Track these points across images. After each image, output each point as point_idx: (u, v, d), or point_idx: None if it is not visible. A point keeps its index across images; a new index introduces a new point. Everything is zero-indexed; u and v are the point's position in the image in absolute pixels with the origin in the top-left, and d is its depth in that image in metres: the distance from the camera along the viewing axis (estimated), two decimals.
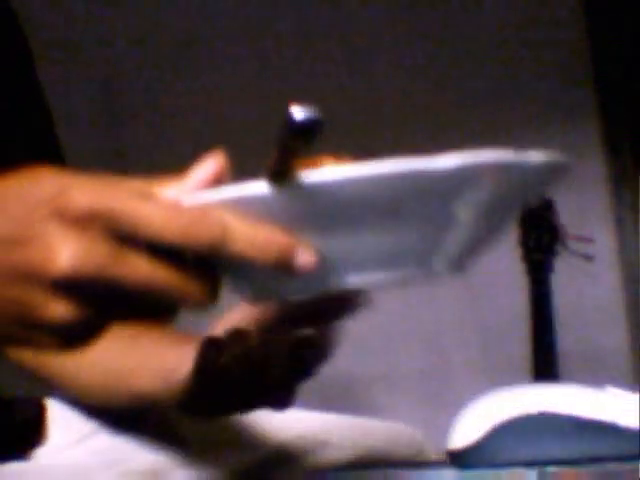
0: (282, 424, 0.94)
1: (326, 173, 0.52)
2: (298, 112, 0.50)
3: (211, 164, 0.58)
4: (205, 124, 2.64)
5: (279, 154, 0.52)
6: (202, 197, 0.53)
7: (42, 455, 0.90)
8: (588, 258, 2.41)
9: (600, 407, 0.70)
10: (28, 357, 0.89)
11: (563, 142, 2.45)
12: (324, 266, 0.53)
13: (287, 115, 0.50)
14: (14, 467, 0.88)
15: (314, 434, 0.96)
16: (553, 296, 2.36)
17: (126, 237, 0.51)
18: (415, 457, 0.97)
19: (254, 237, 0.52)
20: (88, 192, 0.51)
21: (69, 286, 0.50)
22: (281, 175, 0.51)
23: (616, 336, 2.38)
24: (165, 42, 2.69)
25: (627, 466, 0.66)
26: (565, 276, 2.41)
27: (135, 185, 0.56)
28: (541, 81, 2.47)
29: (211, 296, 0.53)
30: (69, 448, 0.90)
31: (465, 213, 0.54)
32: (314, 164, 0.57)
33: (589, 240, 2.38)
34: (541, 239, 2.41)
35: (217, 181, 0.56)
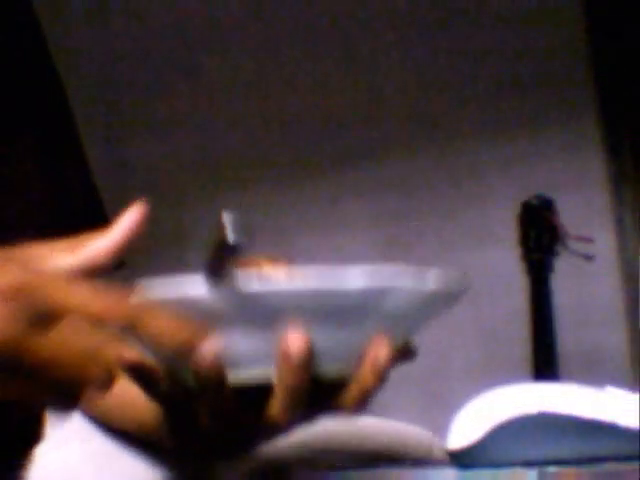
0: None
1: (254, 284, 0.59)
2: (231, 236, 0.57)
3: (115, 232, 0.66)
4: (205, 125, 2.64)
5: (213, 261, 0.59)
6: (151, 293, 0.60)
7: (37, 455, 0.90)
8: (588, 258, 2.41)
9: (600, 407, 0.70)
10: None
11: (563, 142, 2.45)
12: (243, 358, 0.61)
13: (221, 235, 0.57)
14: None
15: (320, 439, 0.96)
16: (553, 296, 2.36)
17: (45, 313, 0.57)
18: (424, 458, 0.97)
19: (164, 324, 0.58)
20: (18, 271, 0.59)
21: None
22: (216, 278, 0.59)
23: (616, 336, 2.37)
24: (165, 42, 2.69)
25: (627, 466, 0.66)
26: (565, 276, 2.41)
27: (59, 262, 0.63)
28: (541, 81, 2.47)
29: (105, 384, 0.59)
30: (63, 449, 0.90)
31: (371, 323, 0.61)
32: (251, 264, 0.66)
33: (589, 240, 2.38)
34: (541, 239, 2.41)
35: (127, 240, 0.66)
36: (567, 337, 2.34)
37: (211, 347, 0.59)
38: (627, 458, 0.68)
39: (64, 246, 0.63)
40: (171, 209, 2.53)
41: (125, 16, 2.70)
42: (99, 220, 1.02)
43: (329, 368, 0.62)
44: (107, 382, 0.59)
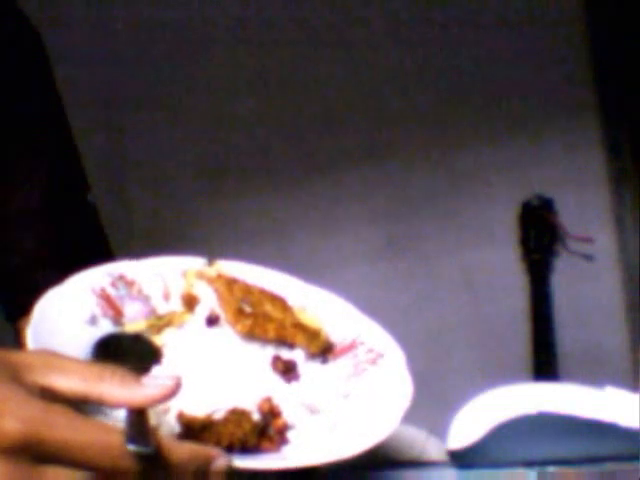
0: None
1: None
2: (133, 448, 0.55)
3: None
4: (205, 125, 2.64)
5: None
6: None
7: None
8: (588, 258, 2.41)
9: (600, 407, 0.70)
10: None
11: (563, 142, 2.45)
12: None
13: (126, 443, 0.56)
14: None
15: None
16: (553, 296, 2.36)
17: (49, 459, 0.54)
18: (417, 458, 0.97)
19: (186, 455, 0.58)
20: (20, 419, 0.54)
21: None
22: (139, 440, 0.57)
23: (616, 336, 2.37)
24: (165, 42, 2.69)
25: (627, 466, 0.66)
26: (565, 276, 2.41)
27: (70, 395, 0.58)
28: (541, 81, 2.47)
29: None
30: None
31: None
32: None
33: (589, 240, 2.38)
34: (541, 239, 2.41)
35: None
36: (567, 337, 2.34)
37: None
38: (627, 458, 0.68)
39: (75, 368, 0.59)
40: (171, 209, 2.53)
41: (125, 16, 2.70)
42: (94, 229, 1.02)
43: None
44: None
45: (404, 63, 2.57)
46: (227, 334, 0.77)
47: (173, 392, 0.60)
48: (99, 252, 1.01)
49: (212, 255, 0.85)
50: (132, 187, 2.59)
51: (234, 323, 0.77)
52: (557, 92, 2.46)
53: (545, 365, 2.26)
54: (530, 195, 2.43)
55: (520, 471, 0.67)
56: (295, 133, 2.60)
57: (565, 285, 2.39)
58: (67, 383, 0.57)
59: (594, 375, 2.22)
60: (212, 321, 0.79)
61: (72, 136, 1.02)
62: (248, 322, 0.76)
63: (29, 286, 0.83)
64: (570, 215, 2.41)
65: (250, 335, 0.76)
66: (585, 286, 2.41)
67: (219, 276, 0.83)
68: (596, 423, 0.70)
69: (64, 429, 0.54)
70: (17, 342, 0.96)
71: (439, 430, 0.84)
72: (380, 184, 2.55)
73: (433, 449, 0.97)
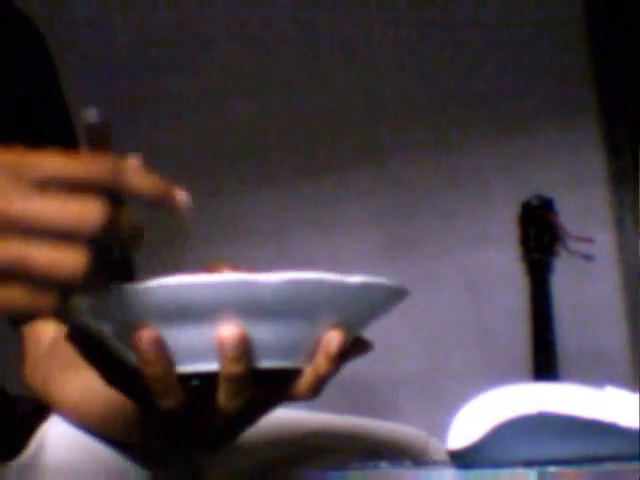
0: (281, 427, 0.94)
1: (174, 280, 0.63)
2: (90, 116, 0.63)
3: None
4: (205, 125, 2.64)
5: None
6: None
7: (44, 456, 0.90)
8: (588, 258, 2.41)
9: (600, 407, 0.70)
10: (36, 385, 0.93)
11: (563, 142, 2.45)
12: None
13: (83, 120, 0.64)
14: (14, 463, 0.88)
15: (313, 439, 0.96)
16: (553, 296, 2.36)
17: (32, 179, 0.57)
18: (417, 459, 0.97)
19: (144, 178, 0.62)
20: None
21: None
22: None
23: (616, 336, 2.37)
24: (165, 42, 2.69)
25: (627, 466, 0.66)
26: (565, 276, 2.41)
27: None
28: (541, 81, 2.47)
29: (79, 268, 0.58)
30: (66, 449, 0.90)
31: (317, 318, 0.67)
32: (213, 269, 0.69)
33: (589, 240, 2.38)
34: (541, 239, 2.41)
35: None
36: (567, 337, 2.34)
37: (149, 333, 0.63)
38: (627, 458, 0.68)
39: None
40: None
41: (126, 16, 2.70)
42: None
43: (279, 360, 0.67)
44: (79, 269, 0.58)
45: (404, 63, 2.57)
46: None
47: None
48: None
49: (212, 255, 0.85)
50: None
51: None
52: (557, 92, 2.46)
53: (545, 365, 2.26)
54: (530, 195, 2.43)
55: (520, 471, 0.67)
56: (295, 133, 2.60)
57: (565, 285, 2.39)
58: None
59: (594, 375, 2.22)
60: None
61: (77, 138, 1.02)
62: None
63: None
64: (570, 215, 2.41)
65: None
66: (585, 286, 2.41)
67: None
68: (596, 423, 0.70)
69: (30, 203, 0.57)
70: (20, 347, 0.97)
71: (439, 430, 0.84)
72: (380, 184, 2.55)
73: (433, 450, 0.97)
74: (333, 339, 0.67)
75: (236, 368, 0.65)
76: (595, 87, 2.45)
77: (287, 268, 0.64)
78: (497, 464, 0.70)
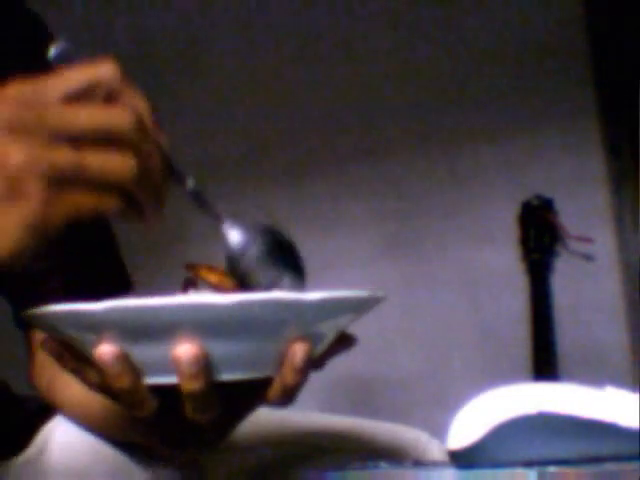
0: (281, 427, 0.94)
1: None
2: None
3: None
4: (205, 125, 2.64)
5: None
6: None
7: (48, 453, 0.90)
8: (588, 258, 2.41)
9: (600, 407, 0.70)
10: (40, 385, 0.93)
11: (563, 142, 2.45)
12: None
13: None
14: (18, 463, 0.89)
15: (312, 439, 0.96)
16: (553, 296, 2.36)
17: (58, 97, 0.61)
18: (418, 459, 0.97)
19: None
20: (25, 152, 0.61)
21: None
22: None
23: (616, 336, 2.37)
24: (165, 42, 2.69)
25: (627, 466, 0.66)
26: (565, 276, 2.41)
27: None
28: (541, 81, 2.47)
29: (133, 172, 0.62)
30: (74, 450, 0.90)
31: (280, 332, 0.66)
32: (191, 271, 0.72)
33: (589, 240, 2.38)
34: (541, 239, 2.41)
35: None
36: (567, 337, 2.33)
37: (110, 348, 0.64)
38: (627, 458, 0.68)
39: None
40: (172, 208, 2.53)
41: (126, 16, 2.70)
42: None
43: (245, 372, 0.67)
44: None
45: (404, 63, 2.57)
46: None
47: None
48: (115, 259, 1.02)
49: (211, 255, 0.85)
50: None
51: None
52: (557, 92, 2.46)
53: (545, 365, 2.26)
54: (530, 195, 2.43)
55: (520, 471, 0.67)
56: (294, 133, 2.60)
57: (565, 285, 2.39)
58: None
59: (594, 375, 2.22)
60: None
61: None
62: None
63: (43, 295, 0.83)
64: (570, 215, 2.41)
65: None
66: (585, 286, 2.41)
67: None
68: (596, 423, 0.70)
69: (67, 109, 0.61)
70: (27, 349, 0.97)
71: (439, 430, 0.84)
72: (380, 184, 2.55)
73: (433, 450, 0.97)
74: (298, 351, 0.66)
75: (194, 385, 0.65)
76: (595, 87, 2.45)
77: None
78: (497, 464, 0.70)
